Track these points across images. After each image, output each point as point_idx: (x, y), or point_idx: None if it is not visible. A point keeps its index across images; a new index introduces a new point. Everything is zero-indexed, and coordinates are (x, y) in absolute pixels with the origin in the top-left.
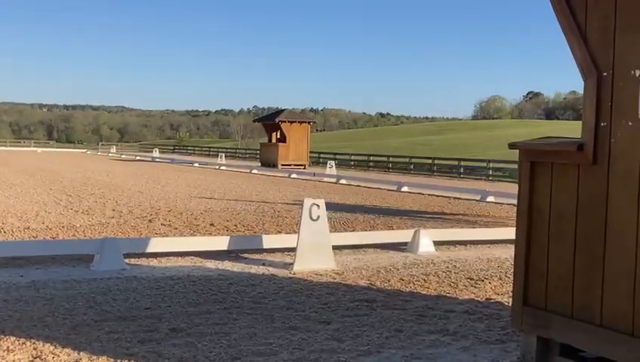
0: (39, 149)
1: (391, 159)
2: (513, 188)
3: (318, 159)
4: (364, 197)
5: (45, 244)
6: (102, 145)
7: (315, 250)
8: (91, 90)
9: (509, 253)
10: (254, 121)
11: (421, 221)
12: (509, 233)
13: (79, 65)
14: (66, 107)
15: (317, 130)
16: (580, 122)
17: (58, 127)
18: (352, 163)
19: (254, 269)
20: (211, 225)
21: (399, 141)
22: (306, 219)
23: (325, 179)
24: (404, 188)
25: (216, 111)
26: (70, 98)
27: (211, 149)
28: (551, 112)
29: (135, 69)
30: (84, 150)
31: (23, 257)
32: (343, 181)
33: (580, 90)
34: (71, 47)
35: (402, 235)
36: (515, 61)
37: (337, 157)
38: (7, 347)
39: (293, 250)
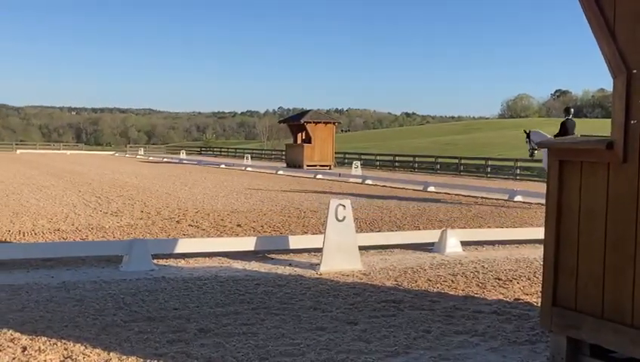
0: (68, 152)
1: (417, 159)
2: (541, 187)
3: (343, 159)
4: (390, 198)
5: (75, 246)
6: (130, 147)
7: (341, 250)
8: (119, 92)
9: (537, 252)
10: (280, 122)
11: (448, 221)
12: (538, 233)
13: (107, 68)
14: (94, 110)
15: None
16: (609, 120)
17: (86, 129)
18: (378, 163)
19: (281, 270)
20: (238, 225)
21: (425, 141)
22: (332, 220)
23: (351, 180)
24: (431, 188)
25: (242, 113)
26: (98, 101)
27: (237, 150)
28: (579, 110)
29: (162, 72)
30: (112, 152)
31: (53, 258)
32: (368, 181)
33: (609, 88)
34: (99, 50)
35: (429, 235)
36: (542, 59)
37: (363, 157)
38: (39, 347)
39: (319, 250)
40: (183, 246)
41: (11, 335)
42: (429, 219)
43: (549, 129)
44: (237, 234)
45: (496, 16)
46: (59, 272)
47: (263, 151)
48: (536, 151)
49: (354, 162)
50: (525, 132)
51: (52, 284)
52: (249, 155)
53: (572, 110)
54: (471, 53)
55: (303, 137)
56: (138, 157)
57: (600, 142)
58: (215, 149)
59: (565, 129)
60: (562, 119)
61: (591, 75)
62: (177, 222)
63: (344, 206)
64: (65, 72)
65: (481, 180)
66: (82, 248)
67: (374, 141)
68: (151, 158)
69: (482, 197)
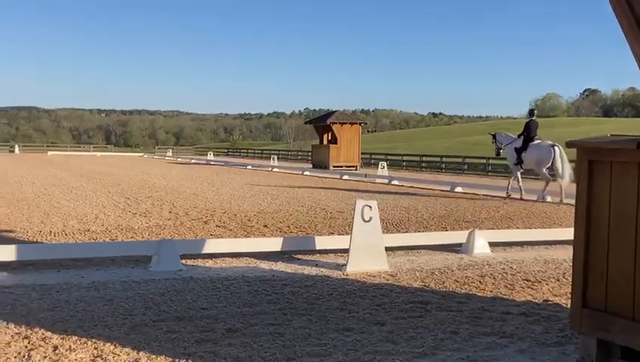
0: (98, 153)
1: (444, 159)
2: (571, 187)
3: (369, 160)
4: (417, 199)
5: (105, 246)
6: (158, 148)
7: (367, 251)
8: (147, 95)
9: (567, 253)
10: (306, 123)
11: (476, 222)
12: (567, 233)
13: (135, 70)
14: (123, 112)
15: (368, 131)
16: (639, 119)
17: (116, 131)
18: (404, 163)
19: (307, 270)
20: (265, 226)
21: (452, 141)
22: (359, 221)
23: (377, 180)
24: (458, 189)
25: (269, 114)
26: (127, 103)
27: (264, 151)
28: (609, 110)
29: (189, 73)
30: (140, 154)
31: (83, 259)
32: (395, 182)
33: None
34: (127, 52)
35: (456, 236)
36: (571, 57)
37: (389, 158)
38: (70, 346)
39: (345, 251)
40: (211, 246)
41: (43, 334)
42: (456, 220)
43: (581, 128)
44: (264, 235)
45: (524, 14)
46: (89, 272)
47: (289, 152)
48: (501, 151)
49: (380, 163)
50: (491, 134)
51: (82, 284)
52: (275, 156)
53: (535, 112)
54: (498, 51)
55: (329, 138)
56: (166, 158)
57: (630, 142)
58: (242, 150)
59: (529, 129)
60: (592, 118)
61: (621, 73)
62: (205, 222)
63: (370, 206)
64: (94, 74)
65: (509, 180)
66: (112, 248)
67: (401, 141)
68: (179, 160)
69: (510, 198)
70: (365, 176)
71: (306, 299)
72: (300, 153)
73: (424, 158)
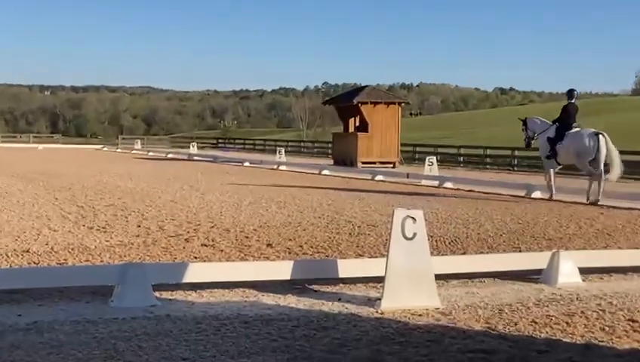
0: (40, 146)
1: (516, 153)
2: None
3: (412, 154)
4: (480, 207)
5: (50, 273)
6: (122, 138)
7: (410, 280)
8: (107, 66)
9: None
10: (324, 102)
11: (561, 240)
12: None
13: (90, 32)
14: (74, 89)
15: (410, 114)
16: None
17: (65, 115)
18: (461, 159)
19: (327, 306)
20: (268, 245)
21: None
22: (398, 238)
23: (424, 182)
24: (536, 194)
25: (273, 91)
26: (80, 77)
27: (267, 143)
28: None
29: (164, 35)
30: (99, 146)
31: (21, 290)
32: (448, 184)
33: None
34: (80, 6)
35: (534, 260)
36: None
37: (440, 151)
38: None
39: (380, 279)
40: (195, 273)
41: None
42: (533, 237)
43: None
44: (267, 258)
45: None
46: (28, 309)
47: (302, 144)
48: (533, 141)
49: (428, 158)
50: (521, 119)
51: (19, 325)
52: (282, 149)
53: (576, 93)
54: (589, 9)
55: (357, 124)
56: (134, 152)
57: None
58: (237, 141)
59: (568, 113)
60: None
61: None
62: (186, 240)
63: (414, 218)
64: (34, 38)
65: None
66: (60, 276)
67: (456, 128)
68: (151, 154)
69: (609, 206)
70: (407, 176)
71: (326, 347)
72: (316, 145)
73: (489, 152)
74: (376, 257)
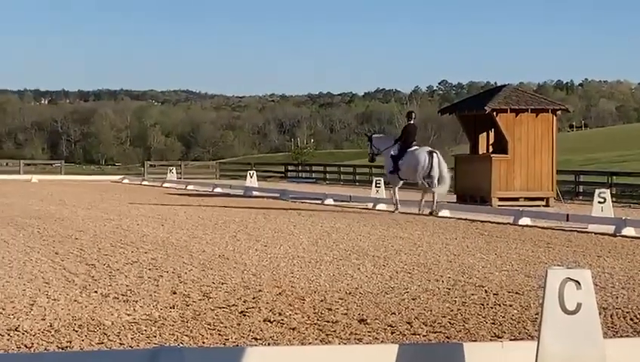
0: (35, 177)
1: None
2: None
3: (574, 186)
4: None
5: (50, 360)
6: (150, 166)
7: None
8: (128, 63)
9: None
10: (442, 111)
11: None
12: None
13: (101, 22)
14: (82, 95)
15: (571, 127)
16: None
17: (69, 133)
18: None
19: None
20: (361, 321)
21: None
22: (554, 311)
23: (591, 228)
24: None
25: (366, 95)
26: (90, 79)
27: (357, 170)
28: None
29: (207, 23)
30: (117, 177)
31: None
32: (629, 231)
33: None
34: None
35: None
36: None
37: (615, 180)
38: None
39: None
40: (254, 361)
41: None
42: None
43: None
44: (359, 339)
45: None
46: None
47: None
48: (377, 157)
49: (597, 191)
50: (367, 135)
51: None
52: (381, 180)
53: (414, 115)
54: None
55: (491, 141)
56: (166, 185)
57: None
58: (314, 168)
59: (408, 133)
60: None
61: None
62: (242, 313)
63: (578, 282)
64: (27, 29)
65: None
66: None
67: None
68: (190, 188)
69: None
70: (567, 218)
71: None
72: None
73: None
74: (522, 339)
